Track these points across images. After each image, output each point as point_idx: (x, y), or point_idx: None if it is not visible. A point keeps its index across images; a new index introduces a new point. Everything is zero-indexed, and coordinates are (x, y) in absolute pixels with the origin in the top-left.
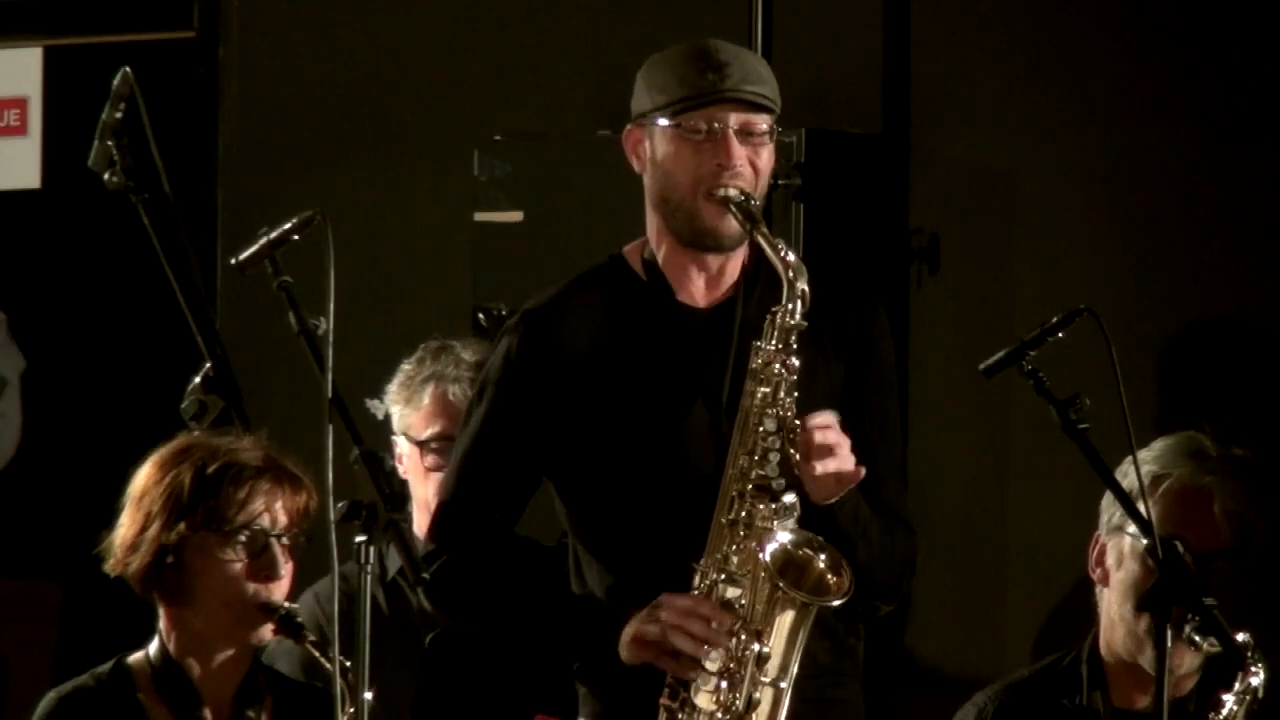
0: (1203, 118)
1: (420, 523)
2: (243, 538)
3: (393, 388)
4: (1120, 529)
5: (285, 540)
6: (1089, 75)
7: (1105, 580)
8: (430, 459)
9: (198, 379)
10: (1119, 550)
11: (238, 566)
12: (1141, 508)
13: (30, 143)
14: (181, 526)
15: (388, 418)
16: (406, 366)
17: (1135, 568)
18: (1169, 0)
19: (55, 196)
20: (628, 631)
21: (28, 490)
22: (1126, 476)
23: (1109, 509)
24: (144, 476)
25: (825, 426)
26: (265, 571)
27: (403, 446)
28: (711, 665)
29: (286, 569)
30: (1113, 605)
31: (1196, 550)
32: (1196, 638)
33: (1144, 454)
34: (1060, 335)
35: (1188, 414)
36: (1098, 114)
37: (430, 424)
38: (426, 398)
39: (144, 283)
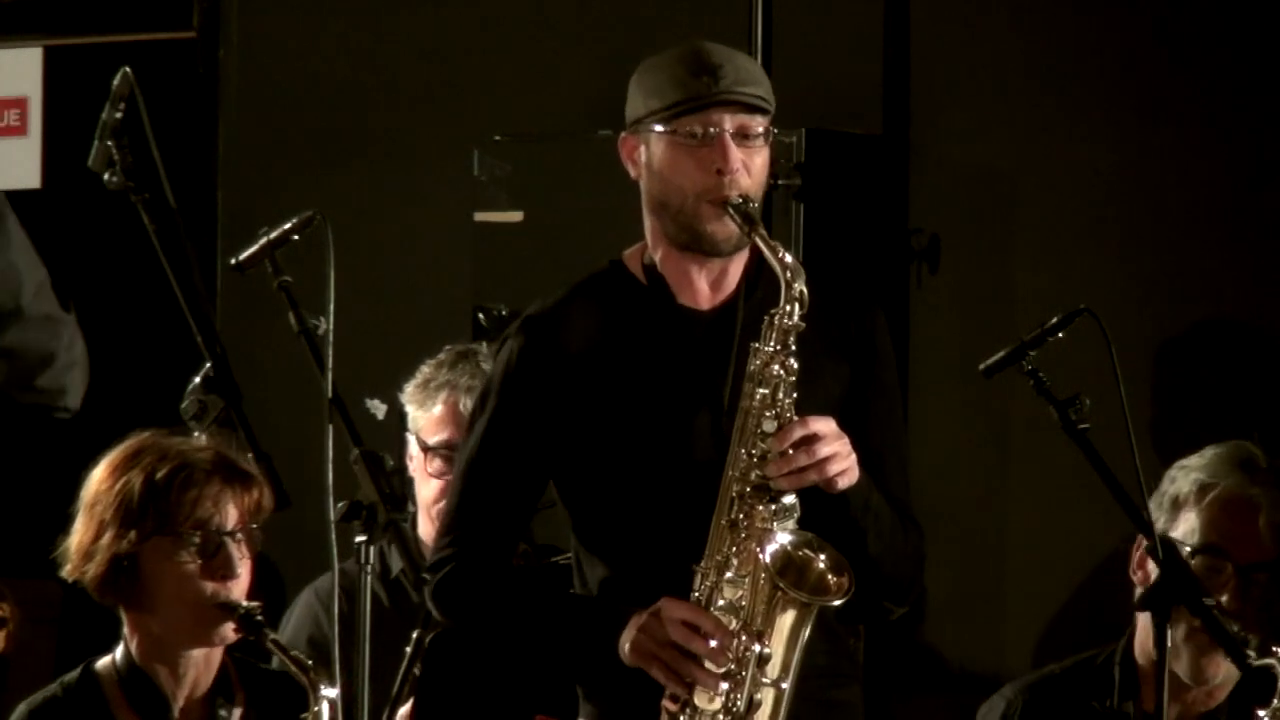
0: (1203, 118)
1: (421, 524)
2: (195, 539)
3: (410, 386)
4: (1164, 534)
5: (239, 538)
6: (1089, 75)
7: (1145, 583)
8: (435, 464)
9: (198, 379)
10: None
11: (193, 568)
12: (1173, 518)
13: (30, 143)
14: (133, 534)
15: (388, 417)
16: (426, 368)
17: None
18: (1169, 1)
19: (55, 196)
20: (628, 636)
21: (28, 490)
22: (1174, 483)
23: (1153, 513)
24: (96, 482)
25: (808, 439)
26: (221, 571)
27: (413, 446)
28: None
29: (243, 567)
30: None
31: (1239, 561)
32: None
33: (1193, 460)
34: (1060, 335)
35: (1188, 414)
36: (1098, 114)
37: (439, 430)
38: (439, 404)
39: (144, 283)
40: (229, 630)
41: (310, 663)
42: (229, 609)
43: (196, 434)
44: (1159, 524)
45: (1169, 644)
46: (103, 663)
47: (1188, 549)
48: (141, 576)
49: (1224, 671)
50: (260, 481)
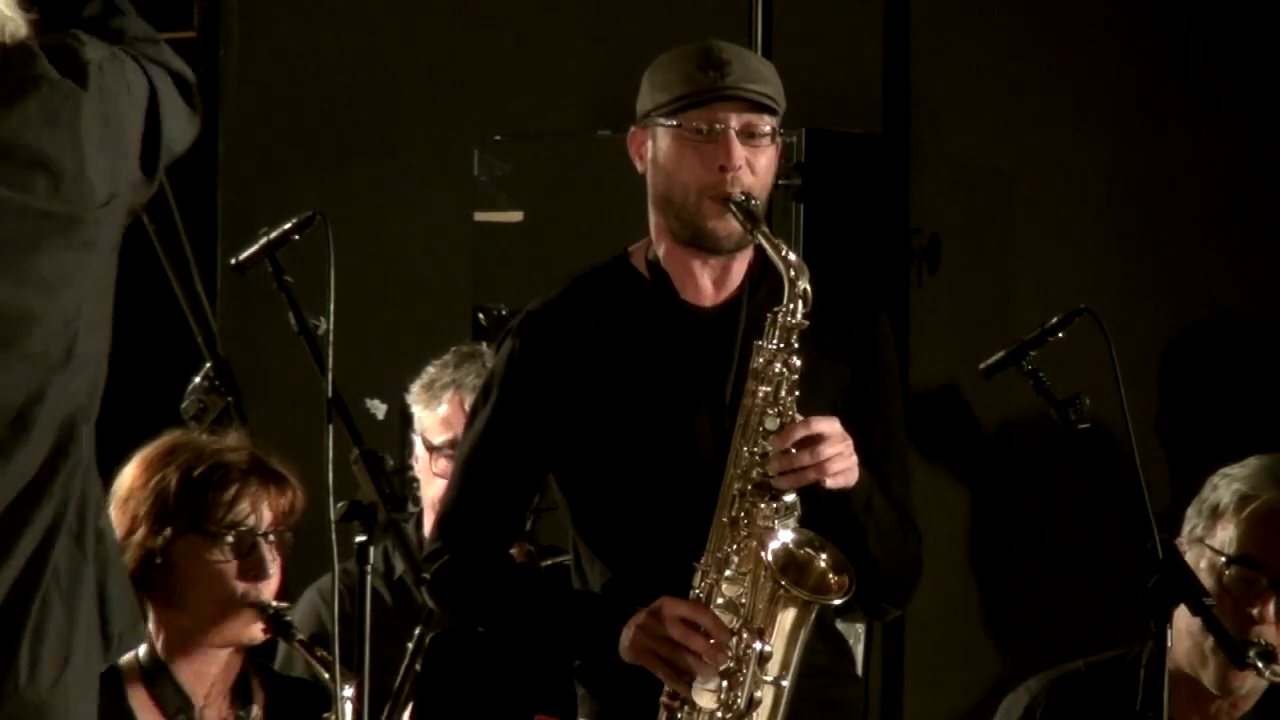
0: (1202, 118)
1: (427, 523)
2: (230, 538)
3: (415, 387)
4: (1201, 540)
5: (272, 539)
6: (1089, 75)
7: None
8: (440, 464)
9: (198, 379)
10: (1197, 562)
11: (225, 567)
12: (1211, 526)
13: None
14: (168, 530)
15: (388, 417)
16: (431, 369)
17: (1210, 583)
18: (1169, 1)
19: None
20: (627, 634)
21: None
22: (1215, 490)
23: (1192, 519)
24: (130, 478)
25: (811, 440)
26: (253, 571)
27: (418, 447)
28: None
29: (275, 568)
30: (1182, 615)
31: (1275, 574)
32: (1260, 664)
33: (1236, 470)
34: (1060, 335)
35: (1188, 414)
36: (1098, 114)
37: (444, 430)
38: (445, 404)
39: (144, 283)
40: (258, 630)
41: (334, 661)
42: (259, 609)
43: (193, 430)
44: (1197, 530)
45: (1203, 654)
46: (126, 658)
47: (1223, 559)
48: (172, 573)
49: (1250, 682)
50: (294, 485)
